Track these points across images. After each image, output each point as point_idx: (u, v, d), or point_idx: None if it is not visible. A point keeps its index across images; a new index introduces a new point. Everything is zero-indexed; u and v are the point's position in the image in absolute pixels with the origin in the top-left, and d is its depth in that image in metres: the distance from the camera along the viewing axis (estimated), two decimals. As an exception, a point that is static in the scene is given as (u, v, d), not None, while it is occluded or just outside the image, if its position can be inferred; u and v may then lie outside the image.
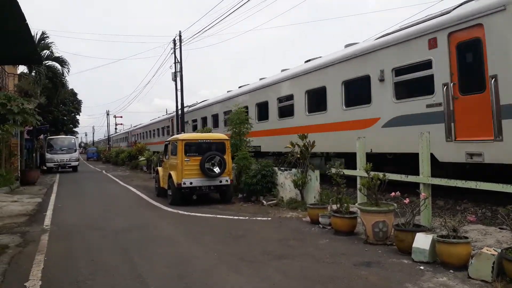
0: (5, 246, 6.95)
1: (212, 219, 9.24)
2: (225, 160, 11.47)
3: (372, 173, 6.98)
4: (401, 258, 5.71)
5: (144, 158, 27.07)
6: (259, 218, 9.14)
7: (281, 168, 11.47)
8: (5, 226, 8.57)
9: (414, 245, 5.55)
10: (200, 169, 11.22)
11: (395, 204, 6.84)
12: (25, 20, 5.42)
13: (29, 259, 6.12)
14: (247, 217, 9.30)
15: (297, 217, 9.12)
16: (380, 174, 6.81)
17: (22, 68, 24.44)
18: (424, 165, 6.81)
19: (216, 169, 11.35)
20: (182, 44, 26.75)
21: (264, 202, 11.08)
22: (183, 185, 11.11)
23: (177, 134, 20.33)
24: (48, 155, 28.53)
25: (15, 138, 19.21)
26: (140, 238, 7.51)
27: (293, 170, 10.69)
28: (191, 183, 11.18)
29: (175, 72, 26.82)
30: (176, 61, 26.84)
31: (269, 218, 9.12)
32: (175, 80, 26.87)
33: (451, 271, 5.03)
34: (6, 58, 8.17)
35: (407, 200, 6.18)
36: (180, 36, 26.77)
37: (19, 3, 4.88)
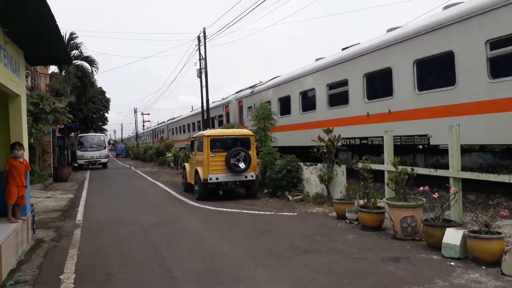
0: (40, 240, 7.24)
1: (238, 214, 9.31)
2: (250, 156, 11.51)
3: (400, 167, 6.86)
4: (430, 253, 5.60)
5: (171, 154, 27.51)
6: (285, 213, 9.15)
7: (307, 163, 11.42)
8: (40, 221, 8.91)
9: (444, 240, 5.43)
10: (225, 165, 11.32)
11: (424, 199, 6.70)
12: (55, 22, 5.58)
13: (63, 253, 6.36)
14: (273, 212, 9.32)
15: (323, 212, 9.07)
16: (409, 169, 6.69)
17: (53, 68, 25.24)
18: (454, 159, 6.62)
19: (241, 165, 11.41)
20: (206, 40, 26.92)
21: (290, 197, 11.07)
22: (209, 181, 11.24)
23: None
24: (79, 152, 29.38)
25: (48, 136, 19.87)
26: (168, 232, 7.66)
27: (319, 165, 10.62)
28: (217, 178, 11.29)
29: (200, 68, 27.03)
30: (201, 57, 27.05)
31: (295, 213, 9.11)
32: (200, 77, 27.09)
33: (483, 267, 4.90)
34: (38, 59, 8.42)
35: (436, 195, 6.05)
36: (204, 32, 26.93)
37: (49, 5, 5.03)
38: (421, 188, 6.43)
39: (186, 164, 13.99)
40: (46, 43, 6.90)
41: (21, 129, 7.09)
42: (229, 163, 11.28)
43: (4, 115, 7.09)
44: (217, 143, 11.71)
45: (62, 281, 5.01)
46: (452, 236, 5.38)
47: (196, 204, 10.93)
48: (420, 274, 4.80)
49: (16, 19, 5.53)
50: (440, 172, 6.98)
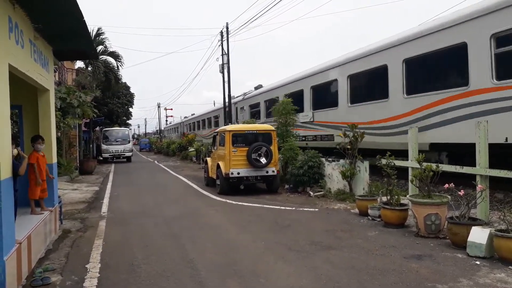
0: (67, 231, 7.47)
1: (259, 209, 9.34)
2: (271, 151, 11.52)
3: (424, 164, 6.74)
4: (454, 252, 5.50)
5: (193, 149, 27.78)
6: (306, 209, 9.13)
7: (329, 159, 11.35)
8: (67, 212, 9.17)
9: (470, 239, 5.32)
10: (247, 160, 11.37)
11: (449, 196, 6.57)
12: (83, 18, 5.71)
13: (89, 243, 6.54)
14: (294, 208, 9.31)
15: (345, 209, 9.01)
16: (433, 165, 6.57)
17: (79, 64, 25.82)
18: (482, 156, 6.46)
19: (263, 160, 11.45)
20: (229, 35, 26.98)
21: (311, 193, 11.03)
22: (230, 175, 11.32)
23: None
24: (104, 146, 30.01)
25: (74, 130, 20.37)
26: (190, 225, 7.76)
27: (341, 161, 10.55)
28: (238, 173, 11.36)
29: (222, 64, 27.14)
30: (223, 53, 27.15)
31: (316, 209, 9.08)
32: (223, 72, 27.21)
33: (511, 267, 4.78)
34: (65, 54, 8.63)
35: (462, 192, 5.92)
36: (227, 28, 27.00)
37: (77, 2, 5.14)
38: (446, 185, 6.31)
39: (208, 159, 14.13)
40: (74, 39, 7.05)
41: (50, 122, 7.30)
42: (251, 158, 11.33)
43: (34, 109, 7.31)
44: (239, 138, 11.78)
45: (88, 270, 5.15)
46: (478, 235, 5.26)
47: (218, 198, 11.03)
48: (443, 273, 4.72)
49: (45, 16, 5.68)
50: (467, 170, 6.82)
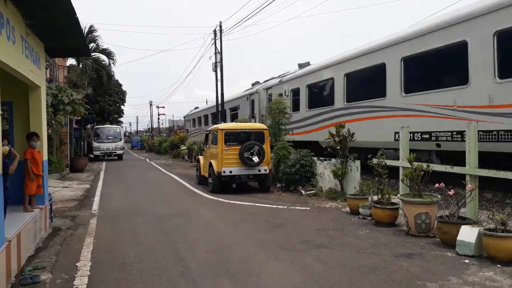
0: (58, 229, 7.41)
1: (251, 207, 9.36)
2: (264, 150, 11.54)
3: (415, 163, 6.80)
4: (444, 250, 5.56)
5: (185, 147, 27.70)
6: (298, 208, 9.16)
7: (321, 158, 11.40)
8: (58, 210, 9.10)
9: (459, 238, 5.39)
10: (239, 158, 11.37)
11: (439, 196, 6.64)
12: (75, 14, 5.66)
13: (79, 241, 6.50)
14: (285, 206, 9.34)
15: (336, 208, 9.06)
16: (424, 165, 6.63)
17: (71, 61, 25.61)
18: (471, 156, 6.54)
19: (255, 159, 11.46)
20: (222, 34, 26.94)
21: (303, 192, 11.07)
22: (223, 174, 11.32)
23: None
24: (95, 144, 29.80)
25: (65, 127, 20.19)
26: (182, 223, 7.75)
27: (333, 160, 10.59)
28: (230, 171, 11.36)
29: (215, 62, 27.10)
30: (217, 51, 27.10)
31: (308, 208, 9.12)
32: (215, 71, 27.16)
33: (499, 265, 4.84)
34: (57, 51, 8.55)
35: (451, 192, 5.99)
36: (220, 26, 26.95)
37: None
38: (437, 184, 6.37)
39: (200, 157, 14.11)
40: (66, 36, 6.99)
41: (41, 119, 7.24)
42: (243, 157, 11.33)
43: (24, 105, 7.24)
44: (231, 137, 11.77)
45: (78, 268, 5.13)
46: (467, 234, 5.33)
47: (210, 197, 11.03)
48: (433, 271, 4.77)
49: (37, 12, 5.63)
50: (457, 169, 6.90)
